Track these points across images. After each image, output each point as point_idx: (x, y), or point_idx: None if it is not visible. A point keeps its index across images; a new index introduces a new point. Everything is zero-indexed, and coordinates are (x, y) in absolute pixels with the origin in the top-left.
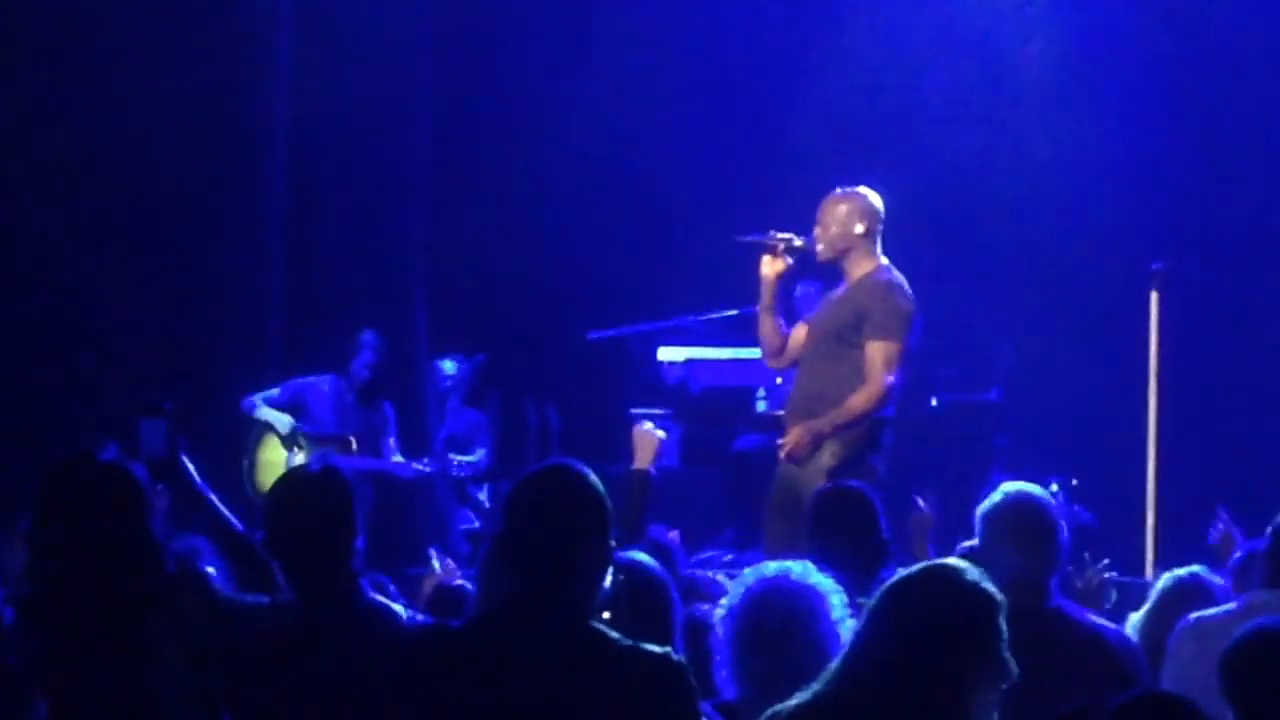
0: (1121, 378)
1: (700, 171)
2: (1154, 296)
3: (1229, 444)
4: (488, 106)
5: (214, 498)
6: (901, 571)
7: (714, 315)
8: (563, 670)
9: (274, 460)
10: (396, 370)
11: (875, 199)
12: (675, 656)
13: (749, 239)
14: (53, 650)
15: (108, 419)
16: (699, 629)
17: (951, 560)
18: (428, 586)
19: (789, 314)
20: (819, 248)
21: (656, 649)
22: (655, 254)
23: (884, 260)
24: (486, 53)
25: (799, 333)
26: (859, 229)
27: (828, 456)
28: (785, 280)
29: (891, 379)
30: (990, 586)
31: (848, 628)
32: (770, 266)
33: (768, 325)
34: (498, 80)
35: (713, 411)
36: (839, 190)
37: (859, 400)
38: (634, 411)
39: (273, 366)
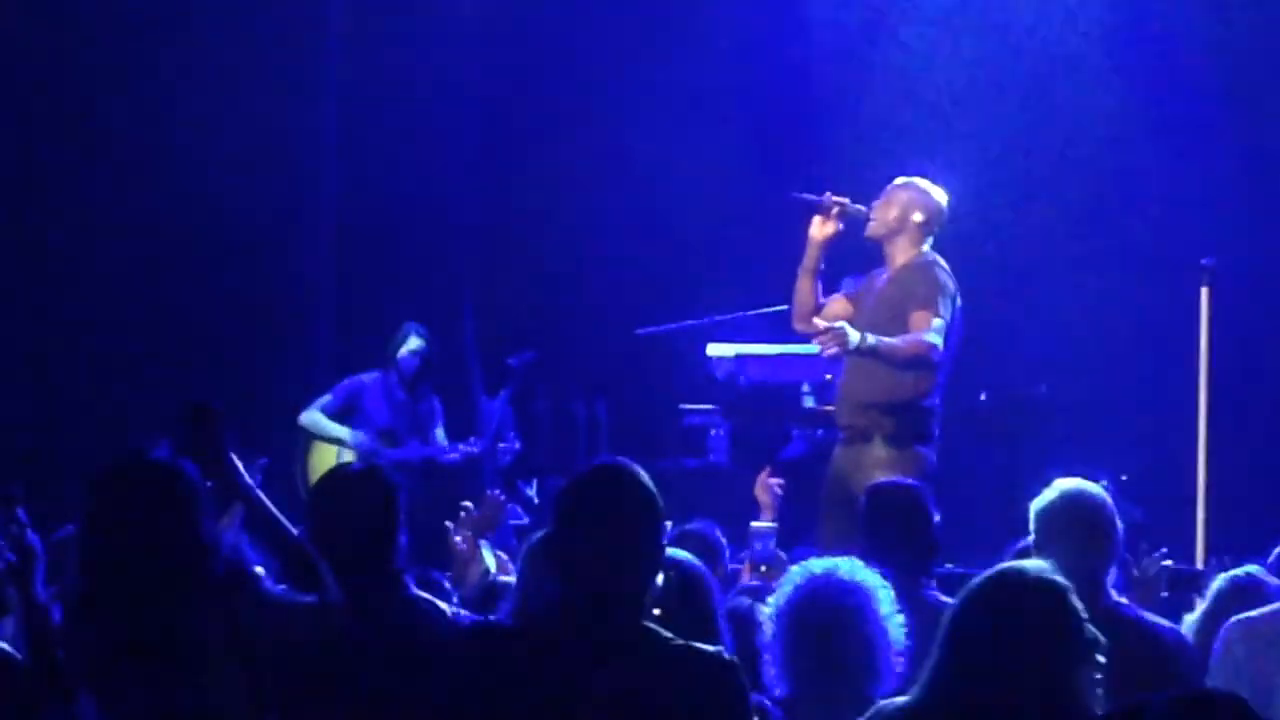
0: (1171, 372)
1: (749, 167)
2: (1204, 291)
3: (1279, 439)
4: (538, 103)
5: (263, 496)
6: (971, 582)
7: (764, 310)
8: (618, 671)
9: (326, 463)
10: (445, 368)
11: (943, 198)
12: (728, 655)
13: (804, 196)
14: (101, 649)
15: (158, 421)
16: (741, 623)
17: (1015, 563)
18: (473, 575)
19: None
20: (872, 223)
21: (710, 649)
22: (704, 249)
23: (928, 250)
24: (537, 53)
25: (835, 304)
26: (917, 217)
27: (879, 448)
28: (831, 246)
29: (936, 340)
30: (1056, 576)
31: (896, 624)
32: (820, 228)
33: (805, 286)
34: (548, 79)
35: (762, 407)
36: (911, 178)
37: (905, 342)
38: (683, 408)
39: (324, 366)
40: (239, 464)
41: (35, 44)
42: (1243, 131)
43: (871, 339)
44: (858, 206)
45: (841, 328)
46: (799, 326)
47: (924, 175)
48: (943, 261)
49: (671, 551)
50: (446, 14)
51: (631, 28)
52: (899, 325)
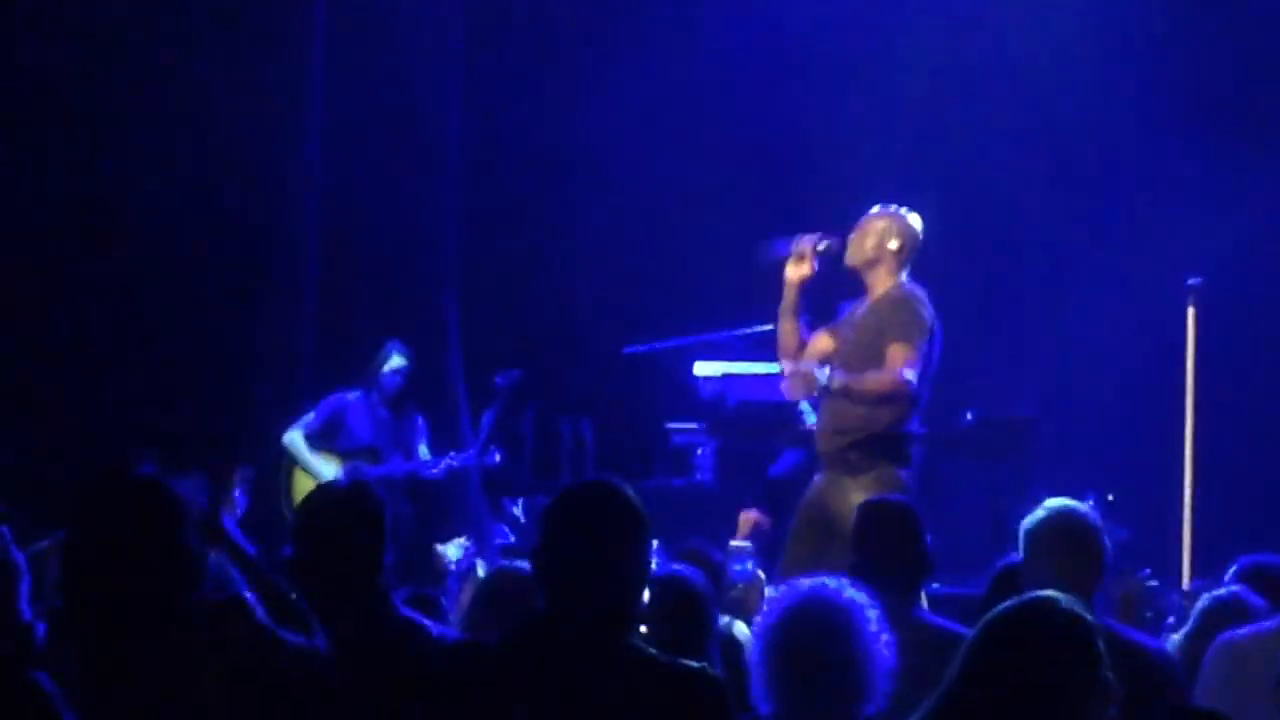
0: (1158, 393)
1: (736, 185)
2: (1190, 311)
3: (1265, 460)
4: (523, 121)
5: (254, 554)
6: (1000, 607)
7: (750, 330)
8: (601, 686)
9: (309, 484)
10: (428, 386)
11: (917, 223)
12: (713, 672)
13: (773, 257)
14: (85, 668)
15: (140, 435)
16: (731, 644)
17: (1046, 593)
18: (464, 598)
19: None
20: (849, 253)
21: (695, 664)
22: (691, 268)
23: (905, 279)
24: (520, 66)
25: (819, 341)
26: (893, 245)
27: (857, 474)
28: (812, 283)
29: (910, 375)
30: (1085, 614)
31: (883, 643)
32: (795, 270)
33: (787, 327)
34: (532, 95)
35: (748, 426)
36: (886, 206)
37: (875, 378)
38: (670, 426)
39: (306, 383)
40: (230, 521)
41: (16, 56)
42: (1229, 152)
43: (838, 381)
44: (826, 244)
45: (808, 370)
46: (781, 362)
47: (911, 198)
48: (919, 292)
49: (676, 567)
50: (431, 29)
51: (617, 49)
52: (875, 356)
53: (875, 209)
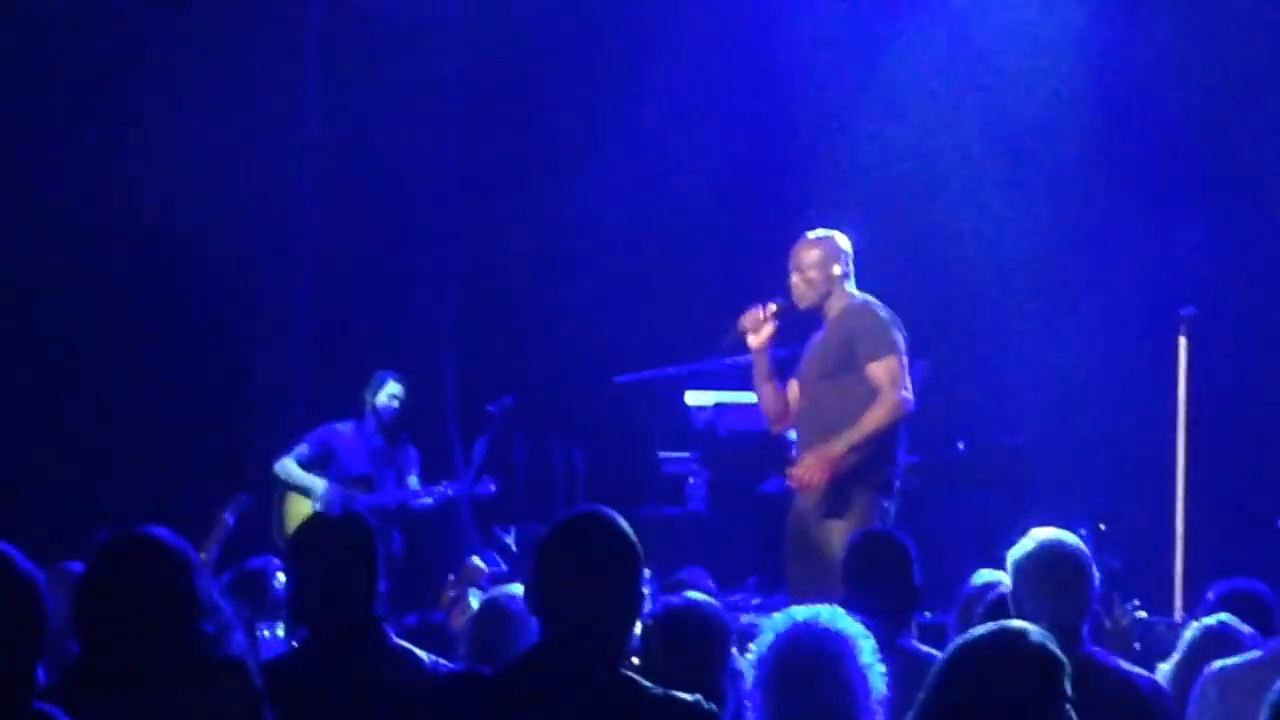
0: (1149, 422)
1: (728, 214)
2: (1182, 341)
3: (1257, 490)
4: (517, 150)
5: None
6: (970, 633)
7: (742, 359)
8: (595, 718)
9: (302, 512)
10: (420, 417)
11: (844, 239)
12: (706, 705)
13: (728, 343)
14: (100, 710)
15: (133, 457)
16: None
17: (1016, 623)
18: (460, 621)
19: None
20: (798, 295)
21: (687, 696)
22: (683, 297)
23: (856, 293)
24: (516, 97)
25: (794, 390)
26: (836, 270)
27: (835, 501)
28: (776, 340)
29: (906, 394)
30: (1056, 649)
31: (877, 673)
32: (756, 340)
33: (767, 393)
34: (527, 123)
35: (740, 455)
36: (809, 236)
37: (875, 415)
38: (662, 455)
39: (299, 411)
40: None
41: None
42: (1222, 181)
43: (841, 444)
44: (775, 305)
45: (811, 465)
46: (776, 430)
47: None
48: (873, 300)
49: (693, 596)
50: (426, 54)
51: (608, 70)
52: (842, 364)
53: (800, 245)
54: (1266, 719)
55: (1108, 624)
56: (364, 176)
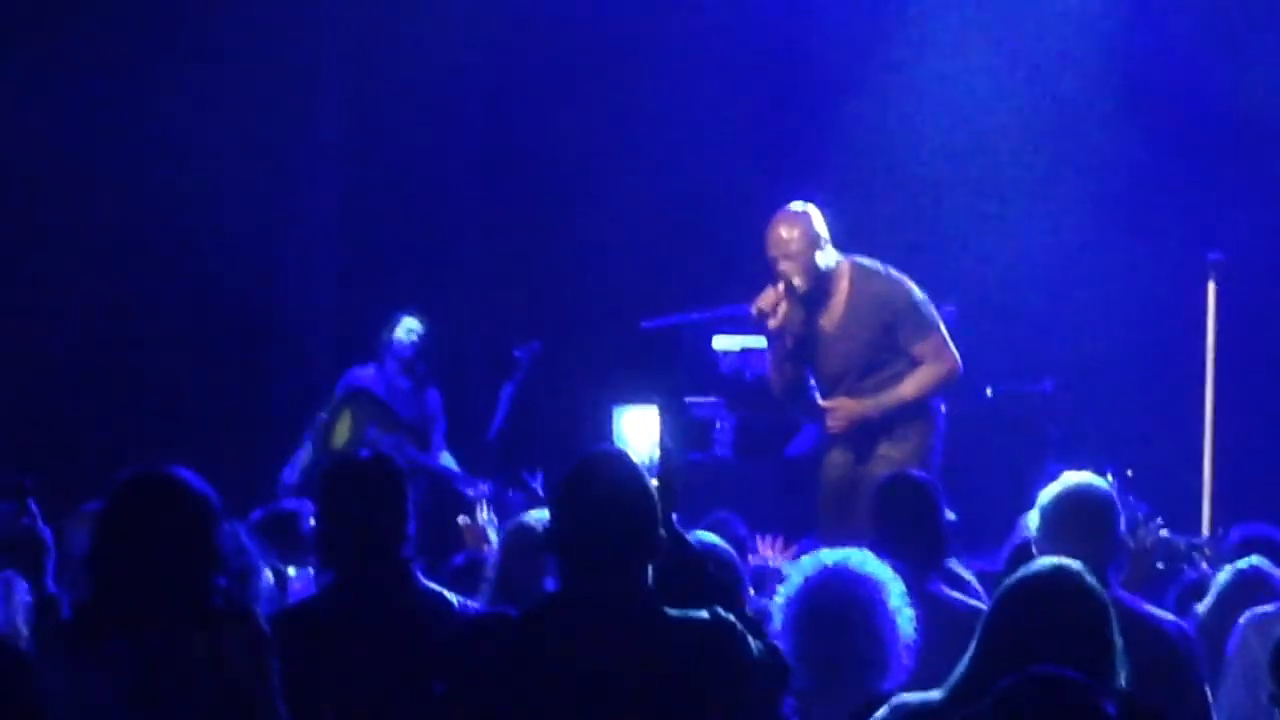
0: (1177, 368)
1: (756, 158)
2: (1210, 285)
3: None
4: (541, 95)
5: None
6: (1023, 571)
7: None
8: (621, 650)
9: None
10: (449, 363)
11: (809, 206)
12: (722, 614)
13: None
14: (116, 653)
15: (159, 421)
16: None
17: (1067, 561)
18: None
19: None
20: (796, 282)
21: (704, 612)
22: (711, 242)
23: (844, 259)
24: (539, 47)
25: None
26: (822, 244)
27: (881, 444)
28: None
29: (957, 360)
30: (1095, 582)
31: (906, 618)
32: (775, 322)
33: (786, 373)
34: (550, 72)
35: (767, 401)
36: (784, 218)
37: (928, 381)
38: (689, 400)
39: (323, 366)
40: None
41: (34, 74)
42: (1248, 124)
43: (874, 402)
44: (783, 284)
45: (842, 408)
46: (783, 401)
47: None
48: (867, 262)
49: (705, 537)
50: (444, 18)
51: (635, 20)
52: (892, 362)
53: (777, 228)
54: (1270, 663)
55: (1131, 544)
56: (388, 124)
